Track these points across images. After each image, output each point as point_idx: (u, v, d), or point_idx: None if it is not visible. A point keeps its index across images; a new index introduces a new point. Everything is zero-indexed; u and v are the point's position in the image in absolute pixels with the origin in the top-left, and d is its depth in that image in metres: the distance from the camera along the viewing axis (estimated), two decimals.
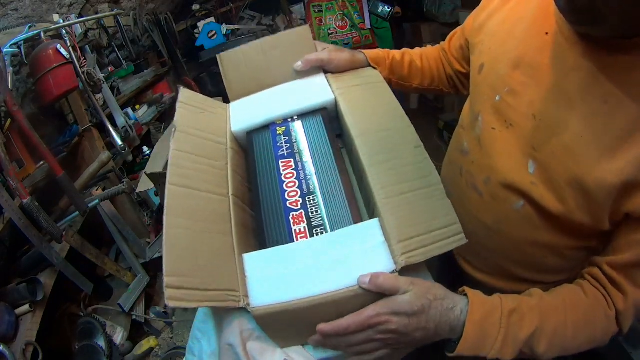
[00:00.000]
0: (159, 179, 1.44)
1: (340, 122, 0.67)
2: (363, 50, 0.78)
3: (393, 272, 0.47)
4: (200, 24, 2.57)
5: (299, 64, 0.69)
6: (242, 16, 2.78)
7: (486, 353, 0.50)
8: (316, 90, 0.69)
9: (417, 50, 0.86)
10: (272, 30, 2.70)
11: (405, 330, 0.48)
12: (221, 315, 0.61)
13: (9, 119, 1.08)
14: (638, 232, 0.48)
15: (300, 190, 0.58)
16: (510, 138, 0.58)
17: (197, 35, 2.57)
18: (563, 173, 0.51)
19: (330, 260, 0.49)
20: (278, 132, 0.66)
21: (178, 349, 1.47)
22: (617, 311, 0.52)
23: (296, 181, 0.59)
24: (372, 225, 0.51)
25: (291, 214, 0.56)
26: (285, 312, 0.47)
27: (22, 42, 1.13)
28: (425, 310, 0.48)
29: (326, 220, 0.54)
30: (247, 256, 0.52)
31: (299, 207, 0.56)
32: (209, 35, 2.54)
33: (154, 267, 1.72)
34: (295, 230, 0.54)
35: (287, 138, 0.64)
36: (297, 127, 0.66)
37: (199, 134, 0.64)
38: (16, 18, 1.24)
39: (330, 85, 0.70)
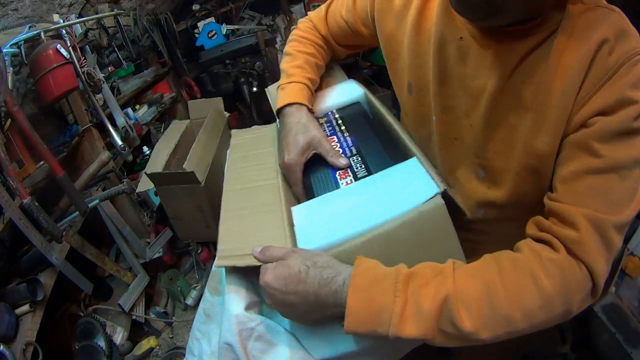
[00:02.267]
0: (159, 179, 1.45)
1: (371, 107, 0.74)
2: (298, 102, 0.68)
3: (436, 194, 0.46)
4: (200, 24, 2.57)
5: None
6: (242, 16, 2.78)
7: (384, 330, 0.41)
8: (348, 90, 0.78)
9: (311, 49, 0.76)
10: (272, 30, 2.70)
11: (282, 291, 0.47)
12: (220, 314, 0.62)
13: (9, 119, 1.08)
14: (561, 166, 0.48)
15: (345, 155, 0.64)
16: (458, 151, 0.61)
17: (197, 35, 2.56)
18: (510, 164, 0.53)
19: (374, 196, 0.51)
20: (320, 122, 0.72)
21: (178, 349, 1.47)
22: (573, 242, 0.42)
23: (340, 149, 0.65)
24: (411, 163, 0.53)
25: (337, 172, 0.61)
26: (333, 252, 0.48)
27: (22, 42, 1.13)
28: (301, 276, 0.45)
29: (371, 170, 0.58)
30: (295, 208, 0.56)
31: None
32: (209, 35, 2.54)
33: (154, 267, 1.72)
34: (342, 183, 0.59)
35: (329, 124, 0.72)
36: (337, 115, 0.74)
37: (250, 149, 0.75)
38: (16, 18, 1.24)
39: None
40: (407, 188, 0.49)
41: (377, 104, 0.70)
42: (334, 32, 0.76)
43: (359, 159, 0.62)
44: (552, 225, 0.45)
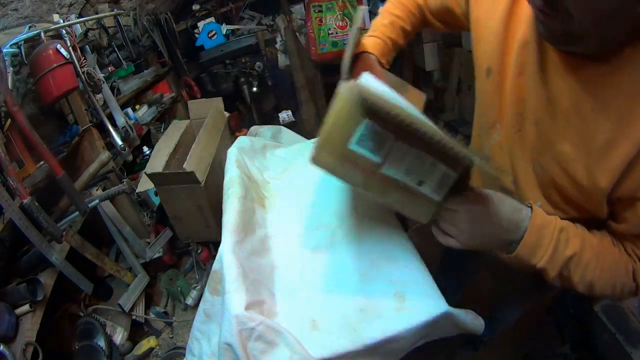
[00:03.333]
0: (159, 179, 1.45)
1: None
2: (368, 52, 0.79)
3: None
4: (200, 24, 2.57)
5: None
6: (242, 16, 2.78)
7: (537, 261, 0.56)
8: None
9: (400, 12, 0.84)
10: (272, 30, 2.70)
11: (481, 211, 0.54)
12: (220, 314, 0.62)
13: (9, 119, 1.08)
14: (626, 210, 0.53)
15: None
16: (521, 142, 0.63)
17: (197, 35, 2.56)
18: (563, 176, 0.57)
19: None
20: None
21: (178, 349, 1.47)
22: (634, 268, 0.55)
23: None
24: None
25: None
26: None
27: (22, 42, 1.13)
28: (500, 199, 0.55)
29: None
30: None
31: None
32: (209, 35, 2.54)
33: (154, 267, 1.72)
34: None
35: None
36: None
37: None
38: (16, 18, 1.23)
39: None
40: None
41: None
42: (430, 3, 0.82)
43: None
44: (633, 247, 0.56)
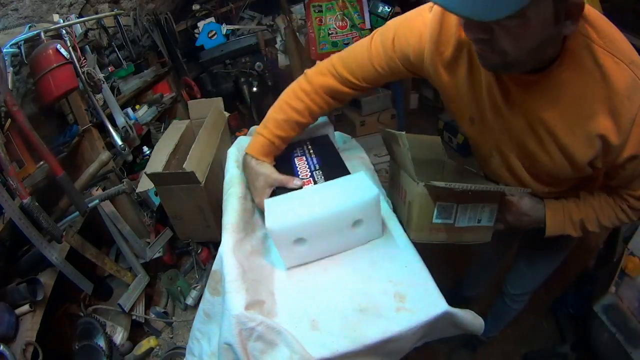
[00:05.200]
0: (159, 179, 1.45)
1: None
2: (251, 154, 0.84)
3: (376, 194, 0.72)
4: (200, 24, 2.57)
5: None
6: (242, 16, 2.78)
7: (562, 231, 0.81)
8: (320, 127, 1.02)
9: (300, 105, 0.84)
10: (272, 30, 2.70)
11: (519, 209, 0.82)
12: (220, 314, 0.62)
13: (9, 119, 1.08)
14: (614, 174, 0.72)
15: (309, 169, 0.87)
16: (514, 160, 0.77)
17: (197, 35, 2.57)
18: (546, 176, 0.76)
19: (330, 193, 0.73)
20: (297, 153, 0.94)
21: (178, 349, 1.47)
22: (630, 205, 0.76)
23: (306, 164, 0.88)
24: (360, 175, 0.77)
25: (303, 180, 0.82)
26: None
27: (22, 42, 1.14)
28: (534, 208, 0.82)
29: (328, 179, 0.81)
30: (267, 200, 0.75)
31: (308, 177, 0.84)
32: (209, 35, 2.55)
33: (154, 267, 1.73)
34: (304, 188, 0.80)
35: (302, 150, 0.95)
36: (309, 144, 0.97)
37: None
38: (16, 18, 1.23)
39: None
40: (356, 188, 0.72)
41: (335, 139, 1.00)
42: (360, 75, 0.80)
43: (320, 172, 0.85)
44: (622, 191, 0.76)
